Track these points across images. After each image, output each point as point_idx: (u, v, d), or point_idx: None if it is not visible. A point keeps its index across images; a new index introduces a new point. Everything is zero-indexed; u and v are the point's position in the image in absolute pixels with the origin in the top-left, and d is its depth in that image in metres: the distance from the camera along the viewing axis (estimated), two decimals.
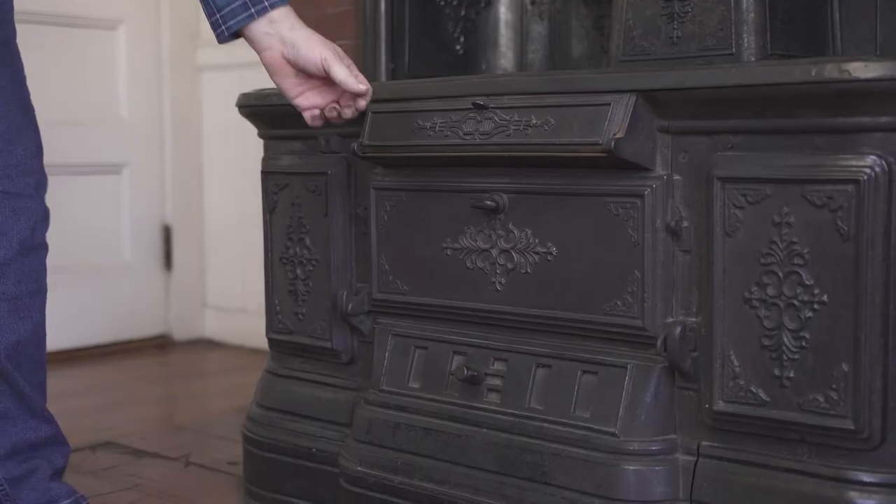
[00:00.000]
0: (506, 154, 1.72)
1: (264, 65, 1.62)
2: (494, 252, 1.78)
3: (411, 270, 1.90)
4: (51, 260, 3.60)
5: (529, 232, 1.74)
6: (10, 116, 1.74)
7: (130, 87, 3.82)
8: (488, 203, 1.73)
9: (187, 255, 3.96)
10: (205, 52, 3.90)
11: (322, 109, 1.65)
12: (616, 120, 1.60)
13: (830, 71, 1.43)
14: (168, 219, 3.93)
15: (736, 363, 1.55)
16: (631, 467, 1.62)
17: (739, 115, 1.54)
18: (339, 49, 1.62)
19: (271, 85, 1.69)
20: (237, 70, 3.63)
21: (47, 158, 3.57)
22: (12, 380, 1.74)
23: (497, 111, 1.73)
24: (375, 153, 1.88)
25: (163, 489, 2.27)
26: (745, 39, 1.81)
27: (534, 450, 1.71)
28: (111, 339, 3.78)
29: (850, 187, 1.44)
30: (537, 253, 1.73)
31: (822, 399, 1.48)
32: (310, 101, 1.64)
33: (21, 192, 1.74)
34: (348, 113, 1.66)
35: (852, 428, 1.46)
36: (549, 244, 1.72)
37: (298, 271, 2.08)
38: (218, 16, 1.59)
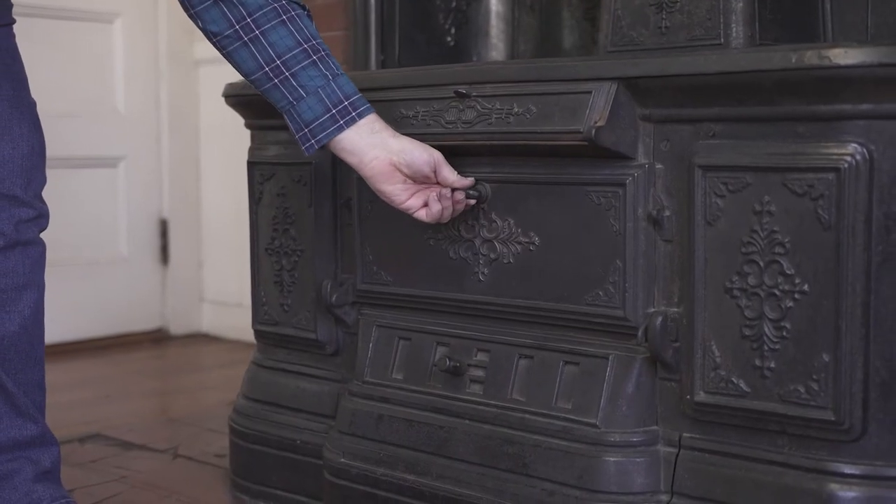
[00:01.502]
0: (487, 143, 1.70)
1: (367, 175, 1.64)
2: (477, 242, 1.77)
3: (395, 261, 1.89)
4: (47, 253, 3.60)
5: (512, 221, 1.72)
6: None
7: (127, 80, 3.81)
8: (471, 192, 1.72)
9: (184, 249, 3.95)
10: (202, 46, 3.88)
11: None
12: (597, 108, 1.59)
13: (811, 57, 1.41)
14: (165, 212, 3.92)
15: (717, 353, 1.53)
16: (612, 459, 1.61)
17: (721, 103, 1.52)
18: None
19: None
20: None
21: None
22: None
23: (479, 99, 1.72)
24: None
25: (149, 481, 2.26)
26: (734, 29, 1.80)
27: (515, 441, 1.70)
28: (107, 333, 3.77)
29: (831, 175, 1.42)
30: (520, 243, 1.72)
31: (802, 390, 1.46)
32: (419, 200, 1.67)
33: (2, 191, 1.72)
34: (460, 208, 1.71)
35: (832, 419, 1.44)
36: (532, 234, 1.71)
37: (284, 262, 2.07)
38: (306, 130, 1.62)
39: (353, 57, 2.51)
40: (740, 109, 1.51)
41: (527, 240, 1.71)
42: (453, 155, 1.75)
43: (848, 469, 1.45)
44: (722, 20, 1.79)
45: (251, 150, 2.14)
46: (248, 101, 2.10)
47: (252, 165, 2.12)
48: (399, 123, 1.80)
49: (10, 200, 1.73)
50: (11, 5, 1.77)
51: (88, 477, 2.28)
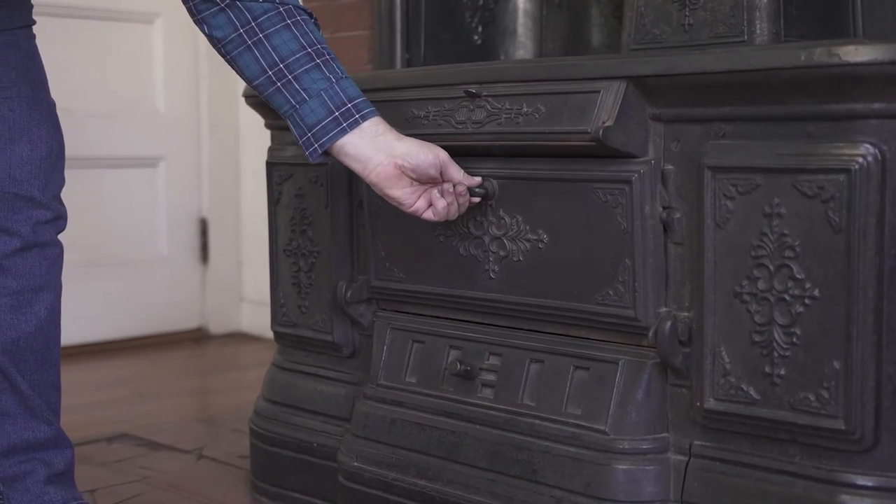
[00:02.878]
0: (497, 143, 1.67)
1: (373, 182, 1.61)
2: (486, 239, 1.74)
3: (407, 257, 1.87)
4: (88, 252, 3.63)
5: (520, 218, 1.69)
6: (10, 116, 1.71)
7: (167, 80, 3.82)
8: (478, 190, 1.69)
9: (223, 248, 3.95)
10: None
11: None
12: (605, 107, 1.55)
13: (820, 55, 1.37)
14: (204, 212, 3.93)
15: (727, 359, 1.49)
16: (621, 466, 1.57)
17: (731, 103, 1.48)
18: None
19: None
20: None
21: (85, 151, 3.60)
22: (10, 377, 1.73)
23: (489, 99, 1.69)
24: None
25: (170, 482, 2.25)
26: (758, 26, 1.75)
27: (525, 447, 1.67)
28: (147, 332, 3.78)
29: (842, 177, 1.38)
30: (528, 240, 1.69)
31: (812, 398, 1.42)
32: (426, 201, 1.64)
33: (20, 192, 1.72)
34: (465, 203, 1.68)
35: (843, 428, 1.40)
36: (541, 231, 1.67)
37: (301, 263, 2.05)
38: (309, 134, 1.59)
39: (377, 56, 2.48)
40: (750, 109, 1.47)
41: (535, 237, 1.68)
42: (463, 155, 1.73)
43: (860, 480, 1.40)
44: (745, 17, 1.75)
45: (270, 151, 2.13)
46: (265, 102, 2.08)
47: (271, 166, 2.11)
48: (410, 124, 1.78)
49: (27, 202, 1.73)
50: (31, 6, 1.77)
51: (112, 477, 2.29)
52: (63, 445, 1.80)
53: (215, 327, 3.93)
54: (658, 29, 1.83)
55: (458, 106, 1.73)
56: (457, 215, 1.67)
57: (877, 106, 1.36)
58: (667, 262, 1.57)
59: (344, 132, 1.57)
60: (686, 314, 1.55)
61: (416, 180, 1.61)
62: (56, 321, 1.80)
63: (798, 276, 1.42)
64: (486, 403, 1.75)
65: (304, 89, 1.57)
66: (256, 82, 1.59)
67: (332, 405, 2.03)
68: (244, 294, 3.98)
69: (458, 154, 1.74)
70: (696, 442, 1.55)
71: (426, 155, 1.60)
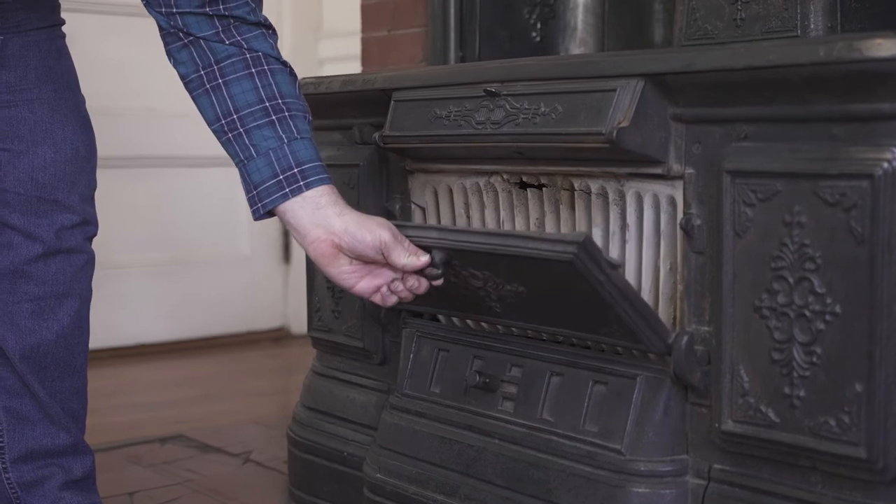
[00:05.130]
0: (515, 145, 1.59)
1: (312, 257, 1.49)
2: (475, 283, 1.62)
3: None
4: (170, 252, 3.63)
5: (489, 274, 1.53)
6: (31, 118, 1.66)
7: None
8: (434, 271, 1.50)
9: None
10: (327, 44, 3.87)
11: (388, 288, 1.52)
12: (621, 107, 1.46)
13: (841, 50, 1.25)
14: None
15: (745, 379, 1.39)
16: (636, 489, 1.48)
17: (752, 102, 1.38)
18: (393, 227, 1.49)
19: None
20: (358, 62, 3.58)
21: (168, 151, 3.60)
22: (29, 384, 1.70)
23: (509, 98, 1.61)
24: (396, 143, 1.78)
25: (211, 486, 2.23)
26: (812, 20, 1.67)
27: (541, 465, 1.59)
28: (230, 331, 3.79)
29: (865, 183, 1.26)
30: (508, 291, 1.55)
31: (833, 423, 1.30)
32: (370, 284, 1.50)
33: (44, 196, 1.67)
34: (421, 289, 1.52)
35: (865, 457, 1.28)
36: (515, 283, 1.53)
37: None
38: (254, 192, 1.49)
39: (431, 55, 2.42)
40: (772, 109, 1.36)
41: (513, 288, 1.53)
42: (483, 158, 1.64)
43: None
44: (799, 10, 1.67)
45: None
46: None
47: None
48: (433, 124, 1.71)
49: (51, 205, 1.67)
50: (57, 6, 1.74)
51: (155, 479, 2.27)
52: (83, 452, 1.76)
53: (297, 327, 3.91)
54: (710, 24, 1.76)
55: (478, 106, 1.65)
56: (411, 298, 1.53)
57: None
58: (687, 273, 1.47)
59: (286, 198, 1.46)
60: (706, 328, 1.45)
61: (355, 259, 1.49)
62: (80, 328, 1.75)
63: (819, 290, 1.31)
64: (506, 417, 1.67)
65: (253, 145, 1.47)
66: (212, 127, 1.51)
67: (362, 413, 1.98)
68: None
69: (478, 156, 1.66)
70: (715, 465, 1.45)
71: (364, 235, 1.45)
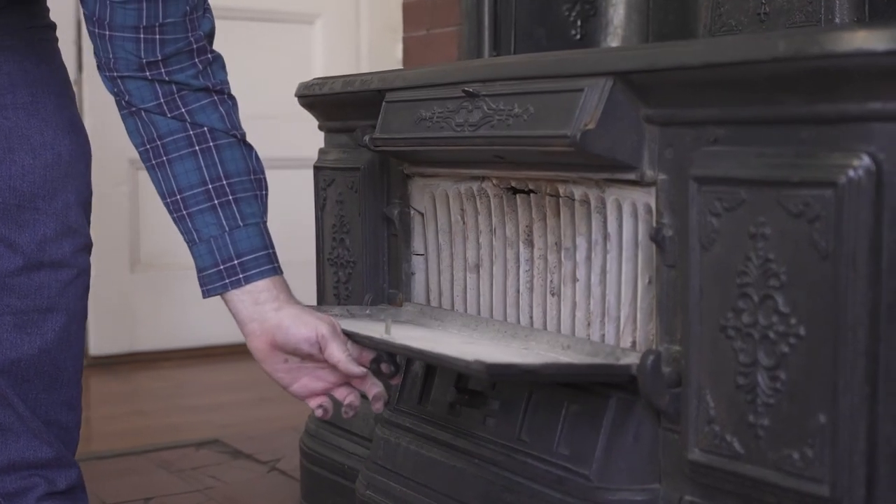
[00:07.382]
0: (489, 148, 1.50)
1: (250, 351, 1.45)
2: None
3: None
4: None
5: None
6: (5, 125, 1.60)
7: None
8: (389, 369, 1.51)
9: None
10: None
11: (328, 396, 1.49)
12: (588, 108, 1.35)
13: (801, 45, 1.13)
14: None
15: (711, 404, 1.27)
16: None
17: (721, 103, 1.26)
18: (336, 325, 1.44)
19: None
20: None
21: None
22: (9, 398, 1.66)
23: (486, 99, 1.52)
24: (385, 146, 1.71)
25: (229, 494, 2.18)
26: (838, 13, 1.57)
27: (514, 489, 1.49)
28: None
29: (828, 192, 1.13)
30: None
31: (797, 456, 1.18)
32: (307, 387, 1.47)
33: (24, 204, 1.61)
34: (355, 400, 1.48)
35: (827, 496, 1.15)
36: None
37: (340, 274, 1.94)
38: (200, 276, 1.46)
39: (466, 54, 2.33)
40: (742, 110, 1.24)
41: None
42: (463, 161, 1.56)
43: None
44: (824, 4, 1.56)
45: (319, 154, 2.03)
46: (315, 102, 1.99)
47: (317, 170, 2.01)
48: (418, 126, 1.62)
49: (31, 213, 1.61)
50: (45, 9, 1.71)
51: (176, 485, 2.24)
52: (66, 465, 1.71)
53: None
54: (734, 18, 1.68)
55: (458, 107, 1.56)
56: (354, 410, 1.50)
57: (871, 106, 1.11)
58: (658, 288, 1.36)
59: (226, 288, 1.43)
60: (677, 348, 1.33)
61: (291, 356, 1.42)
62: (69, 343, 1.67)
63: (783, 309, 1.18)
64: (487, 437, 1.58)
65: (196, 230, 1.43)
66: (163, 202, 1.47)
67: (363, 426, 1.91)
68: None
69: (461, 159, 1.58)
70: (686, 497, 1.33)
71: (300, 328, 1.40)
